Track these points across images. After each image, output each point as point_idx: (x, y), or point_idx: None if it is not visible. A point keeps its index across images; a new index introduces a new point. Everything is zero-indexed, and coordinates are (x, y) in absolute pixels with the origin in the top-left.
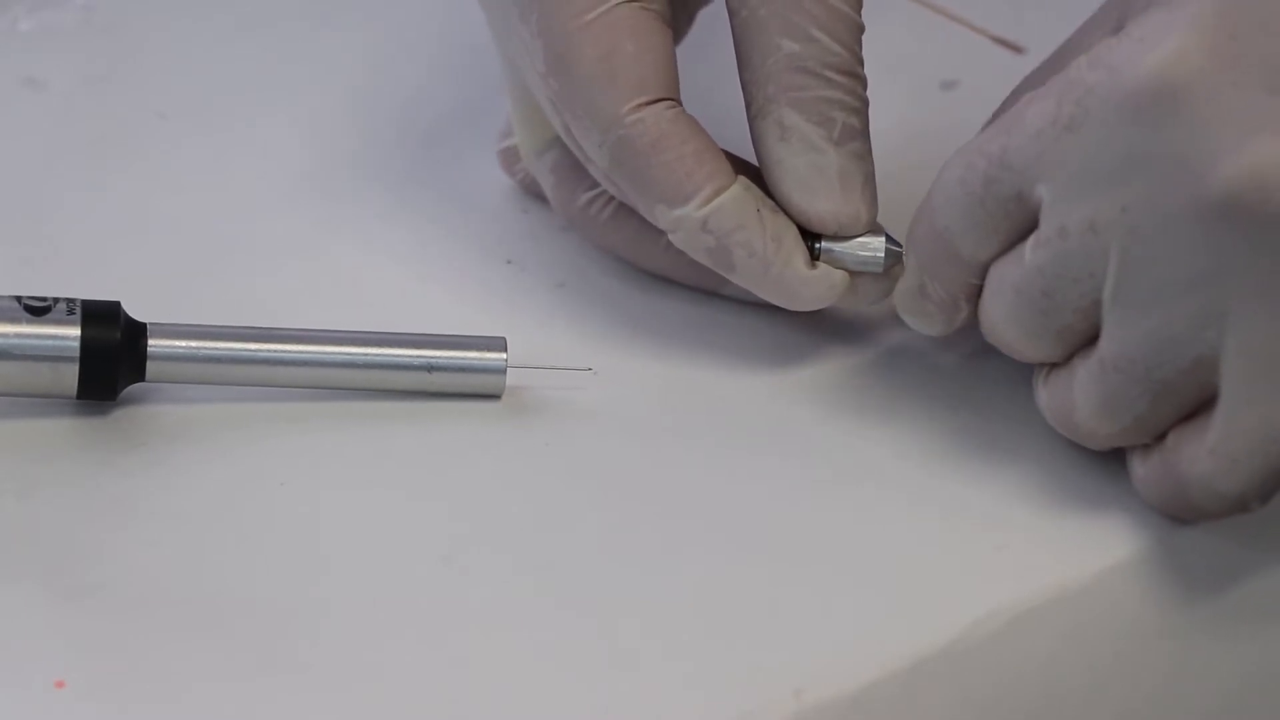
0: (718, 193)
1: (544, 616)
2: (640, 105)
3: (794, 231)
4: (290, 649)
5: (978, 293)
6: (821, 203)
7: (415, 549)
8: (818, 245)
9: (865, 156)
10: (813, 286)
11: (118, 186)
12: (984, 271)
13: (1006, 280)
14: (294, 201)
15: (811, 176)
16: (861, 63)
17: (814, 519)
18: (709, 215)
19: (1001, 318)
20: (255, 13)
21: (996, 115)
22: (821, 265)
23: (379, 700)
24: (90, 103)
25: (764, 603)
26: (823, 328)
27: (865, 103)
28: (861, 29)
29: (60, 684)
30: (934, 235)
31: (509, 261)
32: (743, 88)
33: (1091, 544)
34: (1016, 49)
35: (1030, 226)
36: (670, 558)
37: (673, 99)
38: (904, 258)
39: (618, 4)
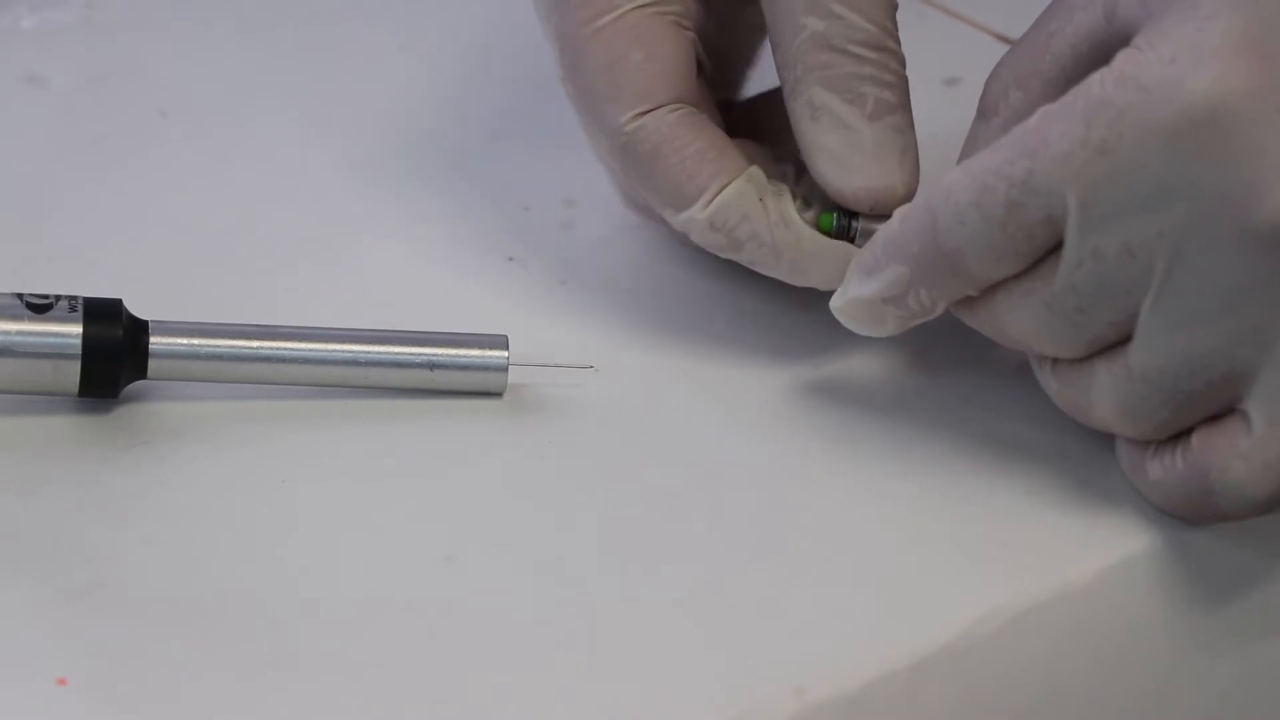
0: (720, 190)
1: (544, 615)
2: (641, 113)
3: (796, 209)
4: (291, 647)
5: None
6: (856, 179)
7: (416, 547)
8: (855, 224)
9: (904, 130)
10: (826, 263)
11: (119, 184)
12: (990, 283)
13: (1034, 296)
14: (295, 199)
15: (845, 153)
16: (895, 38)
17: (815, 517)
18: (713, 214)
19: (1026, 328)
20: (256, 12)
21: (982, 105)
22: (832, 241)
23: (379, 698)
24: (92, 101)
25: (765, 601)
26: (826, 325)
27: (901, 78)
28: (894, 5)
29: (62, 681)
30: (940, 254)
31: (510, 259)
32: (777, 70)
33: (1092, 542)
34: None
35: (1053, 245)
36: (671, 556)
37: (681, 102)
38: (876, 266)
39: (628, 10)
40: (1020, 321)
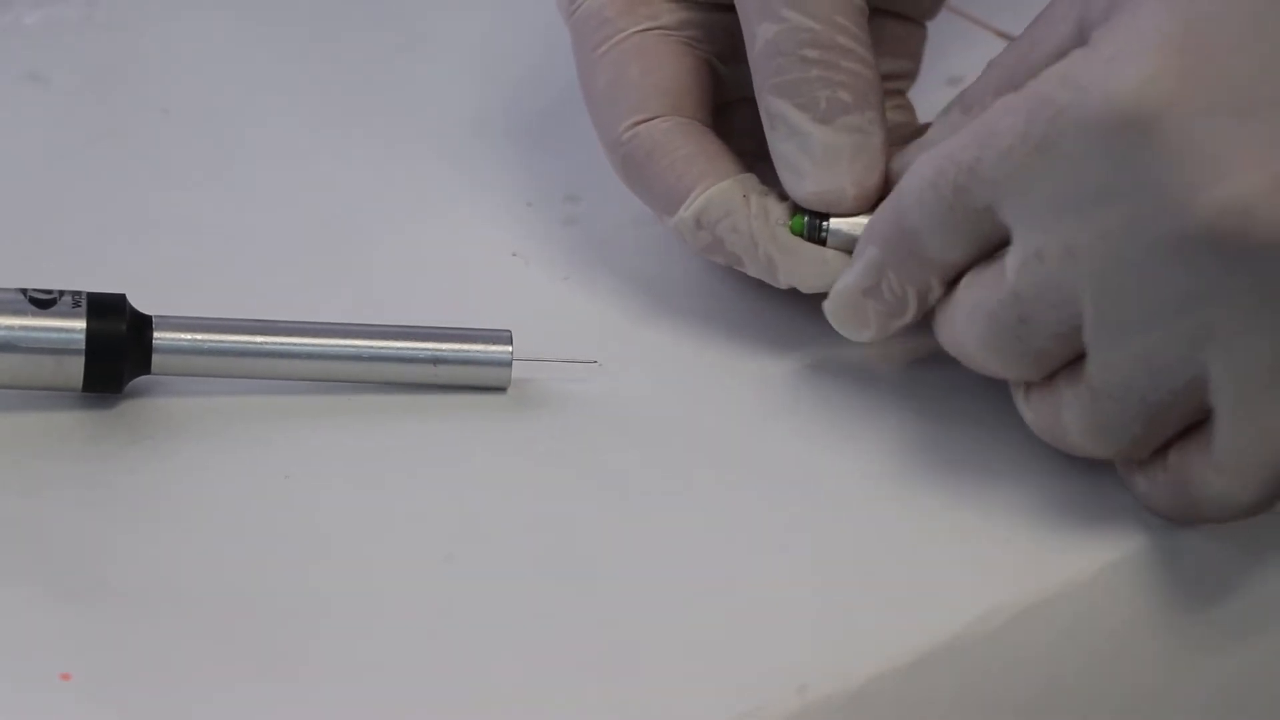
0: (706, 190)
1: (545, 612)
2: (637, 123)
3: (783, 208)
4: (293, 643)
5: (930, 295)
6: (806, 184)
7: (419, 543)
8: (825, 225)
9: (863, 129)
10: (803, 262)
11: (122, 181)
12: (947, 273)
13: (980, 306)
14: (297, 195)
15: (797, 160)
16: (851, 34)
17: (817, 514)
18: (699, 212)
19: (973, 341)
20: (257, 10)
21: (965, 98)
22: (807, 244)
23: (381, 697)
24: (94, 98)
25: (767, 599)
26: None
27: (857, 75)
28: (851, 3)
29: (66, 676)
30: (901, 233)
31: (514, 255)
32: None
33: (1093, 540)
34: None
35: (999, 239)
36: (674, 553)
37: (678, 114)
38: (859, 253)
39: (632, 33)
40: (970, 338)
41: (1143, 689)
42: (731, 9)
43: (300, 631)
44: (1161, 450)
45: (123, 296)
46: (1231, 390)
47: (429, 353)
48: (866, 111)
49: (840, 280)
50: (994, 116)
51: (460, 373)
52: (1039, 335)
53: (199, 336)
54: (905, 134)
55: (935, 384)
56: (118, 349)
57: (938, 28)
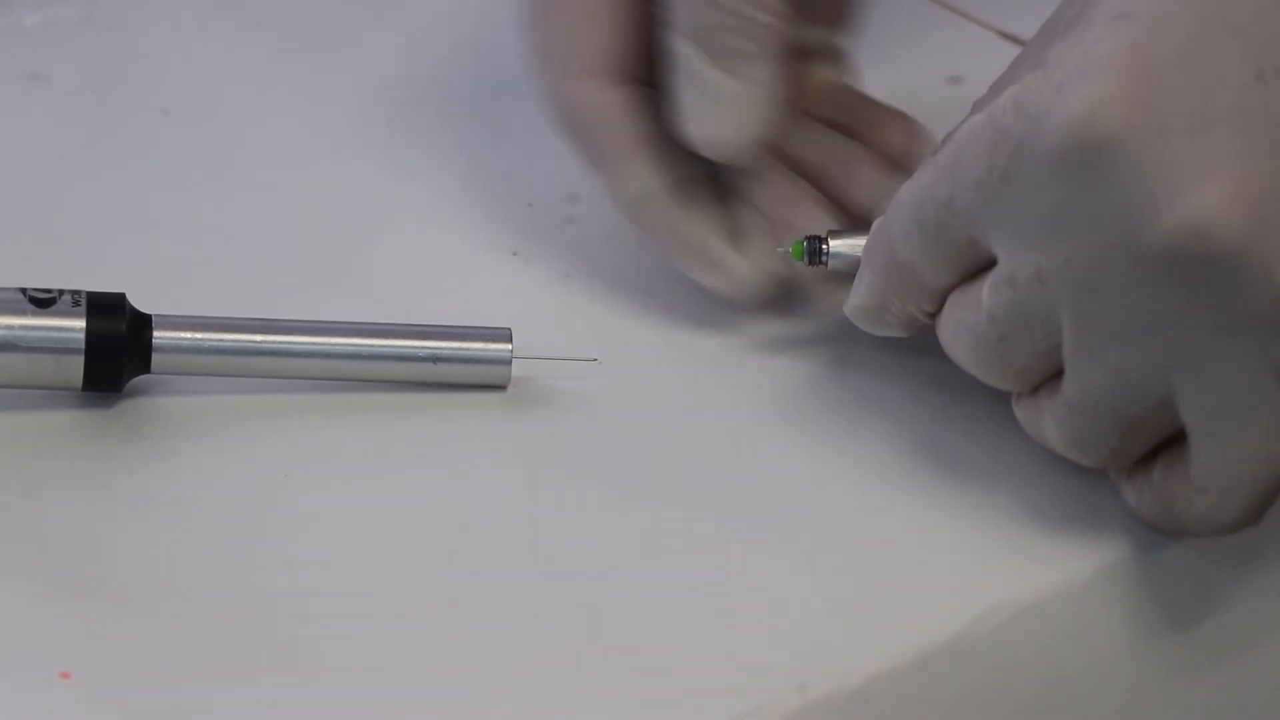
0: (634, 174)
1: (546, 609)
2: (571, 80)
3: (712, 222)
4: (293, 641)
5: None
6: (701, 128)
7: (420, 541)
8: (825, 248)
9: (762, 81)
10: (737, 271)
11: (122, 180)
12: (945, 295)
13: (963, 324)
14: (297, 195)
15: (696, 102)
16: None
17: (818, 512)
18: (630, 198)
19: (961, 356)
20: (258, 10)
21: (978, 103)
22: (729, 252)
23: (381, 695)
24: (94, 98)
25: (767, 597)
26: (830, 319)
27: (763, 26)
28: None
29: (65, 675)
30: (896, 264)
31: (515, 253)
32: None
33: (1092, 541)
34: (1022, 43)
35: (988, 262)
36: (675, 551)
37: (613, 74)
38: (860, 277)
39: None
40: (958, 353)
41: (1142, 689)
42: None
43: (300, 630)
44: (1146, 463)
45: (122, 296)
46: (1200, 411)
47: (428, 351)
48: (768, 63)
49: (850, 300)
50: (961, 145)
51: (460, 371)
52: (1019, 353)
53: (199, 335)
54: (847, 100)
55: (935, 385)
56: (117, 348)
57: (938, 27)
